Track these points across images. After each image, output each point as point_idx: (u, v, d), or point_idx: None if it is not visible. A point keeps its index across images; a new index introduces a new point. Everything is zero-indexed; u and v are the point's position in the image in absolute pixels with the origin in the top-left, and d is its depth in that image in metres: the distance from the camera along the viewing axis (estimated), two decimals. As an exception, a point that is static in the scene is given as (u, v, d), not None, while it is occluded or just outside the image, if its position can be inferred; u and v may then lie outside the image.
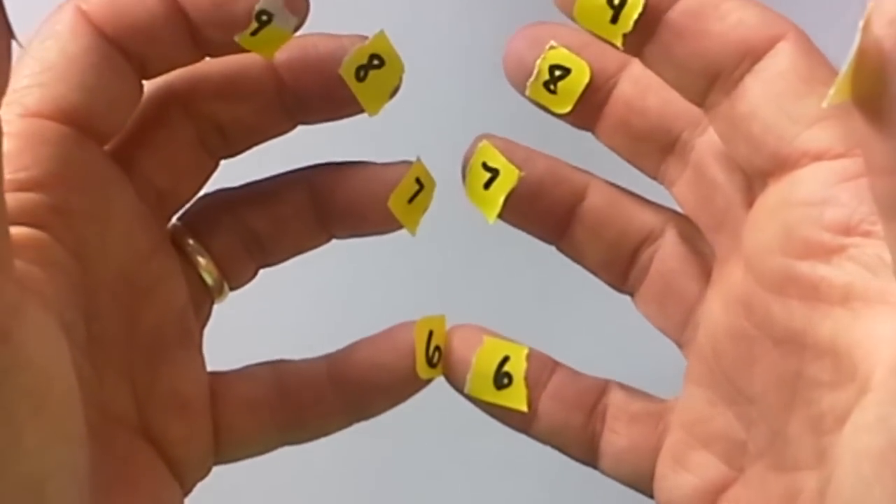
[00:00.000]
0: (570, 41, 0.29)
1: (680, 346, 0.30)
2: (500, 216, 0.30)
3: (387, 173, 0.30)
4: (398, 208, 0.30)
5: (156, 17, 0.26)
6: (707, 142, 0.28)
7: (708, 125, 0.28)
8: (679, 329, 0.30)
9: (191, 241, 0.30)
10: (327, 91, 0.29)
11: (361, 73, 0.29)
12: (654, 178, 0.30)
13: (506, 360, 0.30)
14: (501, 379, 0.30)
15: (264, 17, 0.27)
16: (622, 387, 0.31)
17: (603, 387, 0.31)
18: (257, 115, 0.30)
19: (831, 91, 0.18)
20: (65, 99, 0.26)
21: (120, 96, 0.27)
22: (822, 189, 0.24)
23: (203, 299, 0.30)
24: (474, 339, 0.31)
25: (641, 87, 0.29)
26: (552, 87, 0.29)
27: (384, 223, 0.30)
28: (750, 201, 0.27)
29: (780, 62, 0.24)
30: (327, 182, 0.30)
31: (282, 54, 0.29)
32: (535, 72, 0.29)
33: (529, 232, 0.31)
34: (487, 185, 0.30)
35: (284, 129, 0.30)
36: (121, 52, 0.27)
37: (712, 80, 0.25)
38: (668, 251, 0.30)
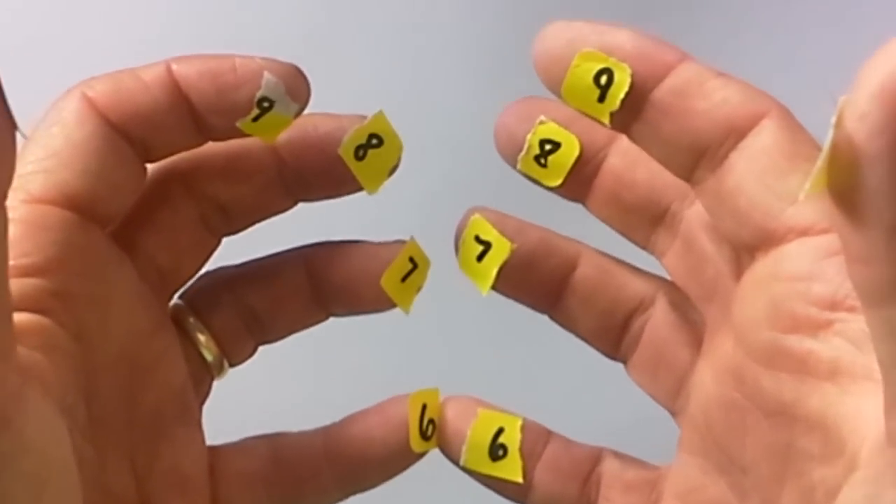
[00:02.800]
0: (560, 115, 0.30)
1: (673, 414, 0.30)
2: (493, 287, 0.30)
3: (380, 252, 0.30)
4: (391, 287, 0.30)
5: (160, 105, 0.27)
6: (695, 213, 0.29)
7: (696, 197, 0.29)
8: (671, 397, 0.30)
9: (191, 319, 0.30)
10: (327, 170, 0.29)
11: (360, 152, 0.29)
12: (645, 249, 0.30)
13: (500, 431, 0.30)
14: (496, 451, 0.30)
15: (266, 104, 0.27)
16: (616, 454, 0.31)
17: (597, 455, 0.31)
18: (258, 194, 0.30)
19: (807, 184, 0.18)
20: (68, 185, 0.26)
21: (123, 181, 0.27)
22: (809, 264, 0.24)
23: (203, 376, 0.30)
24: (469, 412, 0.31)
25: (630, 160, 0.29)
26: (543, 160, 0.30)
27: (378, 302, 0.30)
28: (738, 273, 0.27)
29: (764, 139, 0.25)
30: (323, 261, 0.31)
31: (282, 134, 0.29)
32: (526, 146, 0.30)
33: (522, 302, 0.31)
34: (480, 257, 0.30)
35: (285, 206, 0.31)
36: (125, 138, 0.27)
37: (699, 157, 0.25)
38: (660, 320, 0.30)
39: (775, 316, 0.24)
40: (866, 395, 0.22)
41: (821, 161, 0.18)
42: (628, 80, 0.25)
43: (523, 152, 0.30)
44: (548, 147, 0.30)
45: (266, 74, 0.27)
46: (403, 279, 0.30)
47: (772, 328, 0.24)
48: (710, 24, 0.57)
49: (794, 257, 0.24)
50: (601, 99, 0.26)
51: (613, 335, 0.31)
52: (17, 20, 0.54)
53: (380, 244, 0.31)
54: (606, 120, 0.26)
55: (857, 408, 0.22)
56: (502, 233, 0.30)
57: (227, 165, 0.29)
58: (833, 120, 0.17)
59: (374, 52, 0.54)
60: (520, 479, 0.30)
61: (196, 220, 0.30)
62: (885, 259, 0.17)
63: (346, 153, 0.29)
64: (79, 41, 0.54)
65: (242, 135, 0.28)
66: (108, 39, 0.54)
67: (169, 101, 0.27)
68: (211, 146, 0.29)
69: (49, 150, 0.26)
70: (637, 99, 0.26)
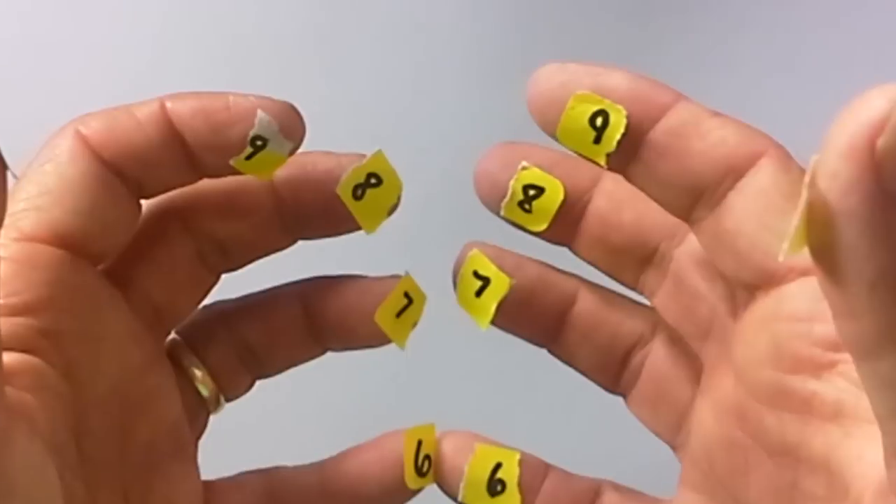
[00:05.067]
0: (542, 160, 0.29)
1: (674, 448, 0.29)
2: (492, 323, 0.30)
3: (374, 287, 0.30)
4: (385, 322, 0.29)
5: (153, 142, 0.26)
6: (685, 252, 0.28)
7: (685, 235, 0.28)
8: (672, 432, 0.29)
9: (187, 354, 0.30)
10: (326, 208, 0.29)
11: (359, 191, 0.29)
12: (633, 290, 0.30)
13: (498, 466, 0.30)
14: (495, 486, 0.30)
15: (259, 142, 0.27)
16: (615, 487, 0.30)
17: (596, 488, 0.30)
18: (256, 231, 0.29)
19: (785, 245, 0.18)
20: (60, 223, 0.25)
21: (116, 219, 0.27)
22: (811, 304, 0.23)
23: (198, 411, 0.30)
24: (466, 447, 0.30)
25: (615, 202, 0.29)
26: (527, 206, 0.29)
27: (373, 337, 0.30)
28: (734, 310, 0.26)
29: (762, 179, 0.24)
30: (318, 296, 0.30)
31: (281, 172, 0.28)
32: (510, 192, 0.29)
33: (521, 336, 0.31)
34: (479, 292, 0.30)
35: (283, 244, 0.30)
36: (118, 175, 0.26)
37: (696, 197, 0.25)
38: (659, 355, 0.30)
39: (778, 356, 0.24)
40: (869, 438, 0.22)
41: (797, 220, 0.18)
42: (624, 122, 0.25)
43: (507, 199, 0.29)
44: (532, 192, 0.29)
45: (260, 113, 0.27)
46: (398, 314, 0.30)
47: (774, 368, 0.24)
48: (709, 25, 0.57)
49: (795, 297, 0.24)
50: (597, 140, 0.26)
51: (613, 370, 0.30)
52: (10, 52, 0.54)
53: (374, 279, 0.30)
54: (603, 161, 0.26)
55: (860, 451, 0.22)
56: (501, 268, 0.30)
57: (224, 202, 0.29)
58: (806, 180, 0.17)
59: (375, 54, 0.54)
60: None
61: (193, 256, 0.29)
62: (868, 313, 0.17)
63: (345, 192, 0.28)
64: (79, 54, 0.54)
65: (237, 172, 0.27)
66: (109, 43, 0.54)
67: (162, 138, 0.27)
68: (208, 183, 0.28)
69: (41, 187, 0.26)
70: (633, 140, 0.25)
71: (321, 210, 0.29)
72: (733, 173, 0.25)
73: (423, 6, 0.54)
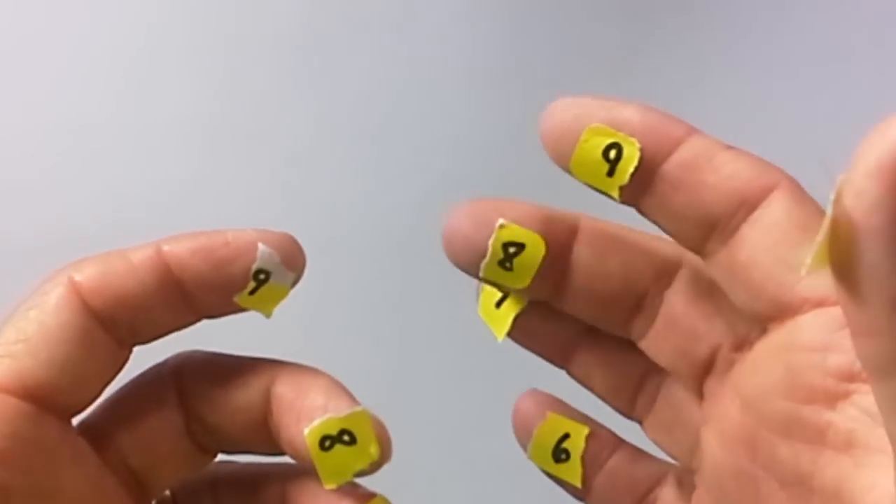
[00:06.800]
0: (518, 215, 0.28)
1: (691, 471, 0.29)
2: (509, 335, 0.30)
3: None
4: None
5: (147, 287, 0.26)
6: (676, 293, 0.28)
7: (673, 276, 0.28)
8: (688, 455, 0.29)
9: None
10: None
11: (327, 442, 0.26)
12: (622, 335, 0.29)
13: (565, 437, 0.30)
14: (559, 454, 0.30)
15: (262, 276, 0.26)
16: (679, 481, 0.29)
17: (661, 476, 0.30)
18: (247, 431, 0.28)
19: (808, 260, 0.18)
20: (30, 374, 0.25)
21: (92, 372, 0.26)
22: (825, 335, 0.24)
23: None
24: (539, 412, 0.30)
25: (598, 251, 0.28)
26: (508, 264, 0.28)
27: None
28: (738, 343, 0.26)
29: (775, 211, 0.25)
30: (299, 493, 0.28)
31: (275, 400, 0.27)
32: (489, 252, 0.27)
33: (537, 353, 0.30)
34: (499, 304, 0.30)
35: (273, 450, 0.29)
36: (109, 323, 0.26)
37: (710, 230, 0.25)
38: (674, 379, 0.29)
39: (792, 386, 0.24)
40: (881, 467, 0.22)
41: (821, 237, 0.18)
42: (637, 155, 0.25)
43: (487, 259, 0.27)
44: (512, 250, 0.28)
45: (261, 246, 0.26)
46: None
47: (788, 398, 0.24)
48: (710, 24, 0.56)
49: (809, 328, 0.24)
50: (610, 173, 0.26)
51: (628, 394, 0.30)
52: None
53: (352, 493, 0.28)
54: (616, 194, 0.26)
55: (872, 481, 0.22)
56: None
57: (221, 392, 0.28)
58: (832, 197, 0.17)
59: (372, 51, 0.54)
60: (578, 484, 0.30)
61: (181, 431, 0.28)
62: (887, 332, 0.18)
63: (312, 438, 0.26)
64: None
65: (238, 310, 0.27)
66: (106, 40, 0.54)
67: (158, 282, 0.26)
68: (215, 367, 0.28)
69: (20, 334, 0.25)
70: (646, 173, 0.25)
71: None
72: (746, 206, 0.25)
73: (423, 5, 0.54)
